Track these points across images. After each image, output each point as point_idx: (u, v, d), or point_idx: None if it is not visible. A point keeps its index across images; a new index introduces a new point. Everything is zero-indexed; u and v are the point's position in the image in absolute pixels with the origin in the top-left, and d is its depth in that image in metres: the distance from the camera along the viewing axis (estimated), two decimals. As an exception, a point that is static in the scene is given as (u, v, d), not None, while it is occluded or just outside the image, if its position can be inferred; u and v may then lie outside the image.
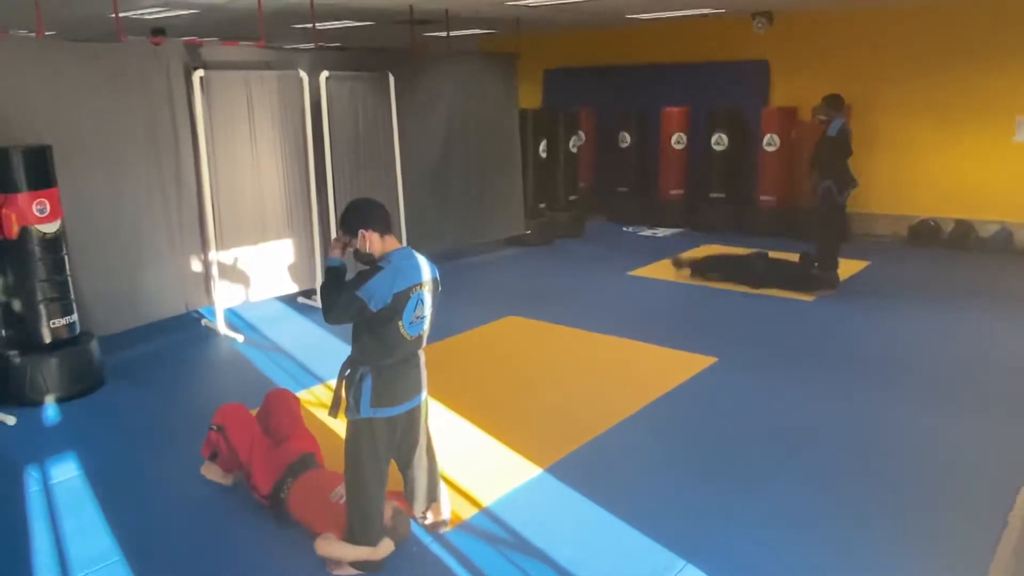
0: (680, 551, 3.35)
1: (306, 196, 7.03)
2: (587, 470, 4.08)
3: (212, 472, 3.95)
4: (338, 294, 3.10)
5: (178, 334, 6.50)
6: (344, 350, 3.30)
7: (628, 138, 11.32)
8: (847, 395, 5.06)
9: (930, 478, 4.03)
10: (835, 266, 7.56)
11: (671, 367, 5.56)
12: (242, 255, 6.63)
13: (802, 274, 7.47)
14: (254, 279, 6.77)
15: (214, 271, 6.41)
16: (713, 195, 10.54)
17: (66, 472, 4.17)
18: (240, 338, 6.37)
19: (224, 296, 6.55)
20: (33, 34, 5.99)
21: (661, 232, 10.77)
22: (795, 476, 4.03)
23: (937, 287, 7.78)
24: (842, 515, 3.65)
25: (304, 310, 7.21)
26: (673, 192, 11.05)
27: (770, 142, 10.06)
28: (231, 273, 6.59)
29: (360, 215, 3.21)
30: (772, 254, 7.88)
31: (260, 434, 3.76)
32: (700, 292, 7.66)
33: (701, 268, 7.93)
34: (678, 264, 8.11)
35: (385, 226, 3.21)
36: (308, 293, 7.36)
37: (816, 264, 7.58)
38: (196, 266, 6.50)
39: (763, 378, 5.37)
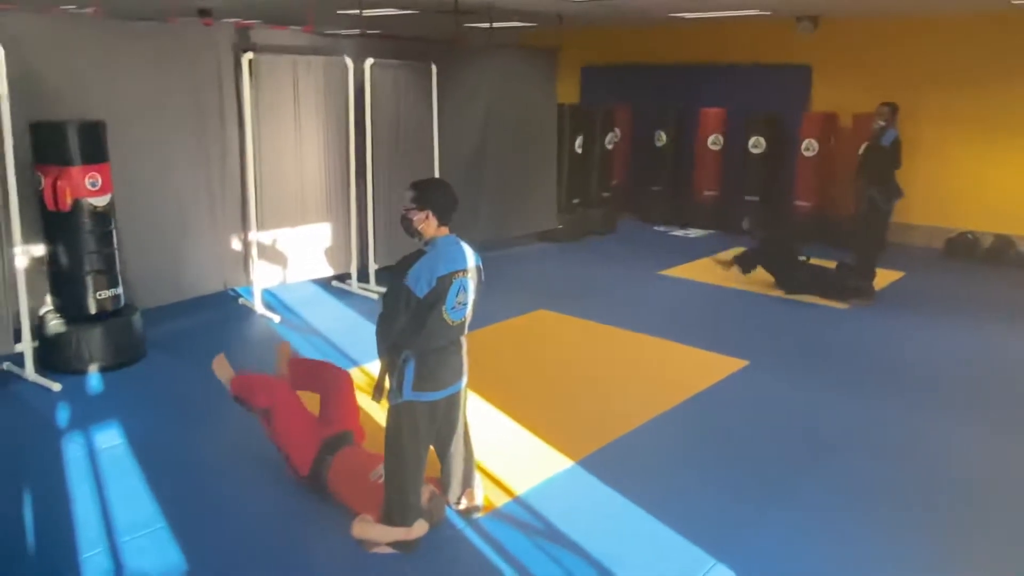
0: (710, 550, 3.38)
1: (345, 181, 7.11)
2: (618, 465, 4.12)
3: (222, 372, 4.05)
4: (392, 316, 3.19)
5: (215, 311, 6.62)
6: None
7: (664, 137, 11.28)
8: (881, 405, 5.05)
9: (963, 495, 4.00)
10: (872, 276, 7.50)
11: (702, 368, 5.58)
12: (281, 237, 6.73)
13: (838, 282, 7.42)
14: (292, 261, 6.88)
15: (253, 251, 6.52)
16: (748, 198, 10.48)
17: (110, 440, 4.28)
18: (276, 318, 6.47)
19: (262, 276, 6.66)
20: (90, 10, 6.11)
21: (693, 233, 10.74)
22: (827, 484, 4.03)
23: (974, 301, 7.70)
24: (873, 527, 3.65)
25: (339, 294, 7.30)
26: (707, 193, 11.01)
27: (808, 147, 9.99)
28: (270, 254, 6.70)
29: (435, 197, 3.28)
30: (813, 260, 7.83)
31: (304, 415, 3.81)
32: (731, 295, 7.65)
33: (745, 262, 7.84)
34: (725, 265, 8.00)
35: (446, 217, 3.27)
36: (343, 277, 7.45)
37: (853, 273, 7.52)
38: (236, 245, 6.61)
39: (795, 384, 5.37)
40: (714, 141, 10.84)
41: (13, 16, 4.98)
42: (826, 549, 3.45)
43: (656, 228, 11.05)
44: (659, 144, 11.32)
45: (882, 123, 7.38)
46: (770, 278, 7.76)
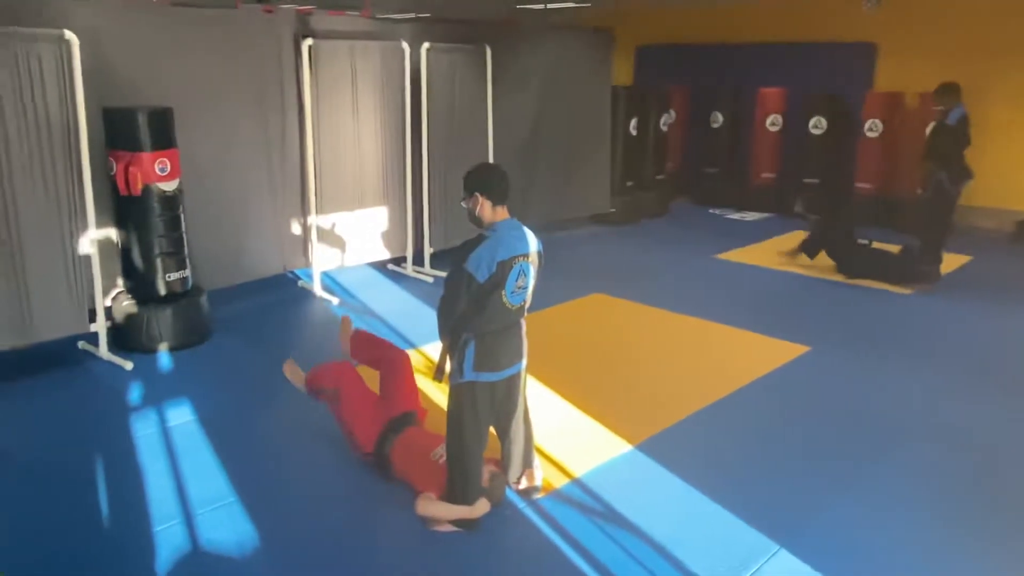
0: (774, 535, 3.35)
1: (401, 165, 7.17)
2: (678, 450, 4.10)
3: (294, 376, 4.15)
4: (453, 300, 3.22)
5: (276, 293, 6.77)
6: (435, 317, 3.37)
7: (720, 118, 11.08)
8: (947, 393, 4.91)
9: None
10: (938, 260, 7.28)
11: (762, 353, 5.50)
12: (340, 220, 6.83)
13: (901, 267, 7.22)
14: (349, 244, 6.97)
15: (312, 235, 6.64)
16: (807, 180, 10.23)
17: (180, 416, 4.43)
18: (335, 300, 6.59)
19: (321, 259, 6.77)
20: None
21: (749, 216, 10.55)
22: (893, 472, 3.94)
23: (1046, 286, 7.43)
24: (940, 515, 3.56)
25: (394, 277, 7.39)
26: (765, 175, 10.80)
27: (872, 127, 9.70)
28: (328, 237, 6.81)
29: (481, 179, 3.30)
30: (875, 244, 7.62)
31: (368, 395, 3.89)
32: (791, 280, 7.50)
33: (810, 247, 7.66)
34: (792, 253, 7.84)
35: (500, 197, 3.28)
36: (398, 260, 7.54)
37: (917, 257, 7.30)
38: (296, 229, 6.74)
39: (859, 370, 5.25)
40: (773, 122, 10.61)
41: (87, 6, 5.14)
42: (892, 538, 3.39)
43: (712, 211, 10.89)
44: (715, 125, 11.13)
45: (940, 108, 7.15)
46: (831, 262, 7.59)
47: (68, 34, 4.75)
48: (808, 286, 7.28)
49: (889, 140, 9.69)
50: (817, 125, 10.10)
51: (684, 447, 4.15)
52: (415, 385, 4.09)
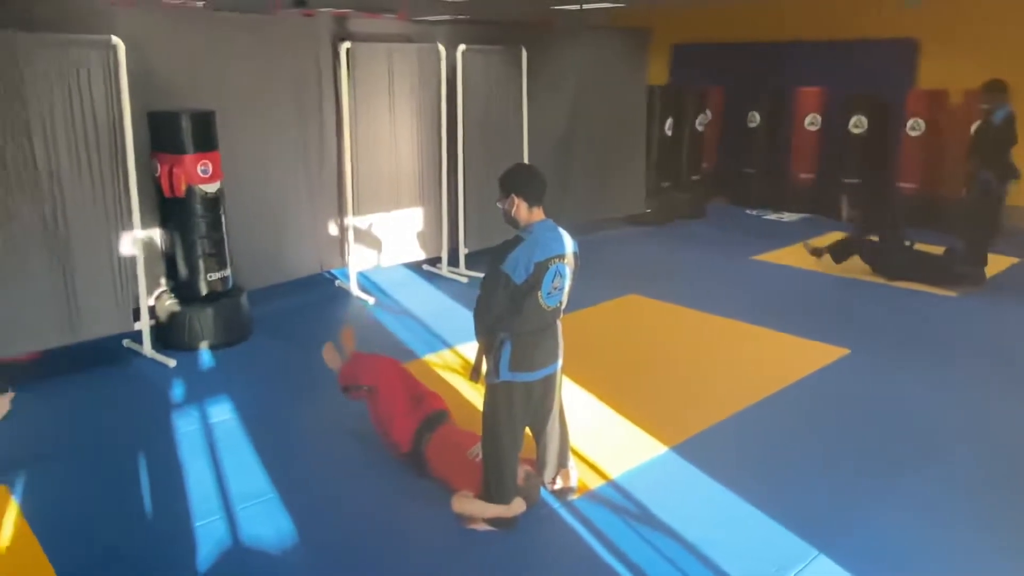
0: (812, 541, 3.31)
1: (437, 166, 7.21)
2: (714, 453, 4.07)
3: (332, 361, 4.23)
4: (489, 301, 3.23)
5: (314, 293, 6.87)
6: (470, 317, 3.39)
7: (757, 118, 10.96)
8: (991, 398, 4.80)
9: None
10: (983, 262, 7.11)
11: (800, 356, 5.42)
12: (376, 221, 6.90)
13: (946, 269, 7.06)
14: (386, 245, 7.04)
15: (349, 235, 6.72)
16: (847, 180, 10.07)
17: (221, 413, 4.52)
18: (371, 300, 6.66)
19: (357, 259, 6.85)
20: (200, 3, 6.41)
21: (787, 216, 10.42)
22: (935, 479, 3.86)
23: (1097, 289, 7.21)
24: (983, 524, 3.48)
25: (430, 277, 7.44)
26: (803, 175, 10.65)
27: (914, 126, 9.51)
28: (365, 238, 6.87)
29: (517, 180, 3.31)
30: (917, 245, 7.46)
31: (403, 395, 3.94)
32: (830, 281, 7.39)
33: (840, 251, 7.55)
34: (816, 253, 7.72)
35: (536, 198, 3.29)
36: (434, 261, 7.59)
37: (961, 259, 7.14)
38: (333, 230, 6.83)
39: (901, 374, 5.15)
40: (811, 121, 10.46)
41: (132, 12, 5.26)
42: (934, 544, 3.32)
43: (748, 212, 10.78)
44: (752, 125, 11.01)
45: (986, 106, 7.00)
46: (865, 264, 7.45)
47: (115, 40, 4.86)
48: (848, 288, 7.17)
49: (933, 139, 9.49)
50: (857, 124, 9.93)
51: (720, 450, 4.12)
52: (420, 383, 4.13)
